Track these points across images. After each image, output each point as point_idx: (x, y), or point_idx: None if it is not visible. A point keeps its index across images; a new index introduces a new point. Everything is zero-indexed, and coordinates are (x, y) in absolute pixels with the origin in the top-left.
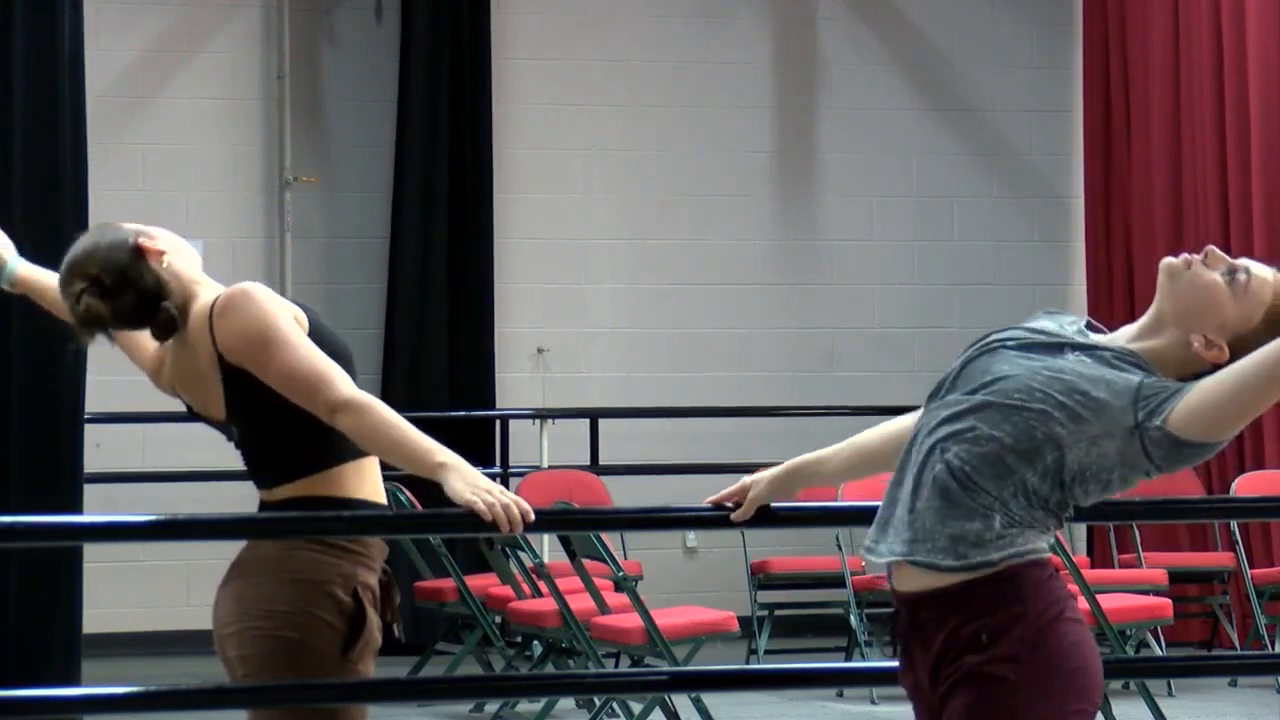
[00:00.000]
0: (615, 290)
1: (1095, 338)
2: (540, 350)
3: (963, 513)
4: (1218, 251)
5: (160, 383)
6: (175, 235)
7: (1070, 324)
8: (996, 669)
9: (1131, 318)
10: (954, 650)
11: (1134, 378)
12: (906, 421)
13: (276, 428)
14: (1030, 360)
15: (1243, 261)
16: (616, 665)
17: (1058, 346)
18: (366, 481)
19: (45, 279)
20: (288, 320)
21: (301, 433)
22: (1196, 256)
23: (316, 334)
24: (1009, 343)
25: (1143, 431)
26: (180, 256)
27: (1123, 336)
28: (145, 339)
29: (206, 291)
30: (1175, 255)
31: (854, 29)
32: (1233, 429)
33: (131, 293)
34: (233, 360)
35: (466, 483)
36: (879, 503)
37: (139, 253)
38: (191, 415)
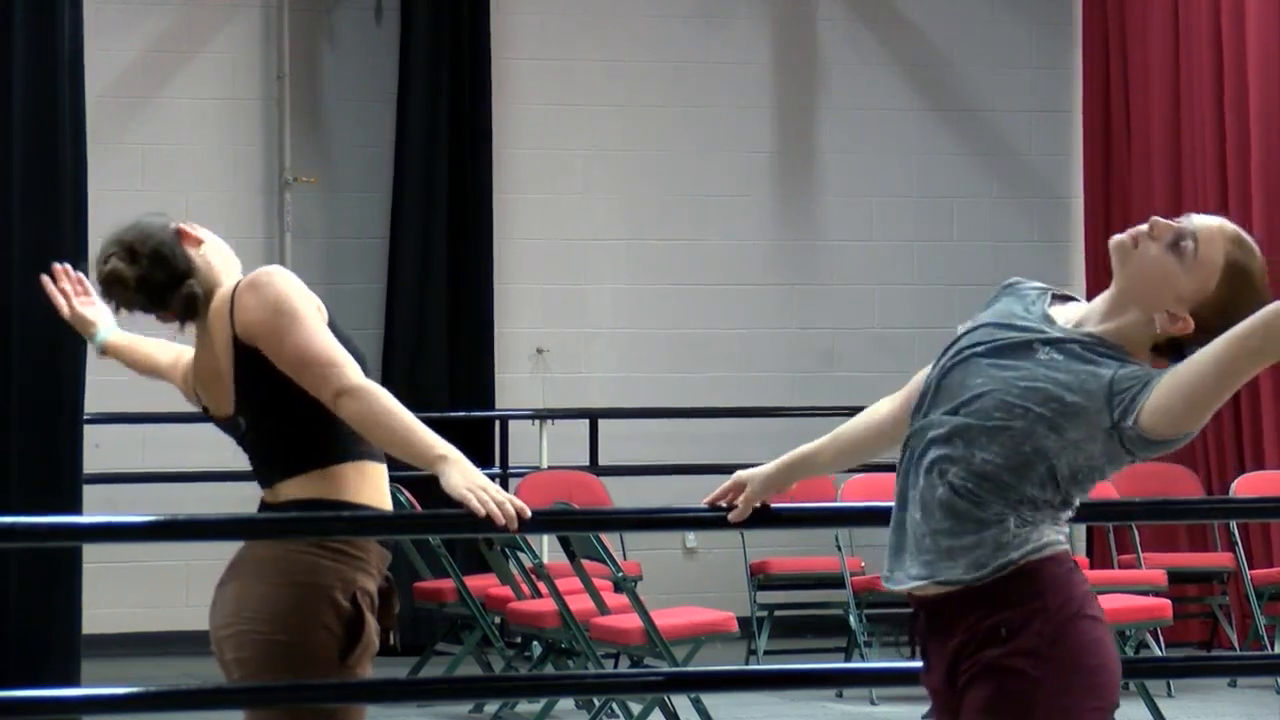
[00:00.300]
0: (615, 290)
1: (1061, 319)
2: (540, 350)
3: (976, 525)
4: (1163, 221)
5: (187, 391)
6: (219, 239)
7: (1035, 301)
8: (1016, 662)
9: None
10: (973, 645)
11: (1105, 372)
12: (885, 410)
13: (282, 419)
14: (1004, 370)
15: (1190, 224)
16: (616, 666)
17: (1027, 345)
18: (369, 484)
19: (134, 342)
20: (310, 305)
21: (307, 426)
22: (1144, 229)
23: (333, 330)
24: (979, 348)
25: (1119, 431)
26: (214, 248)
27: (1093, 315)
28: (178, 358)
29: (232, 282)
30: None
31: (854, 29)
32: (1200, 422)
33: (162, 268)
34: (248, 340)
35: (464, 478)
36: (879, 503)
37: (177, 234)
38: (205, 416)
